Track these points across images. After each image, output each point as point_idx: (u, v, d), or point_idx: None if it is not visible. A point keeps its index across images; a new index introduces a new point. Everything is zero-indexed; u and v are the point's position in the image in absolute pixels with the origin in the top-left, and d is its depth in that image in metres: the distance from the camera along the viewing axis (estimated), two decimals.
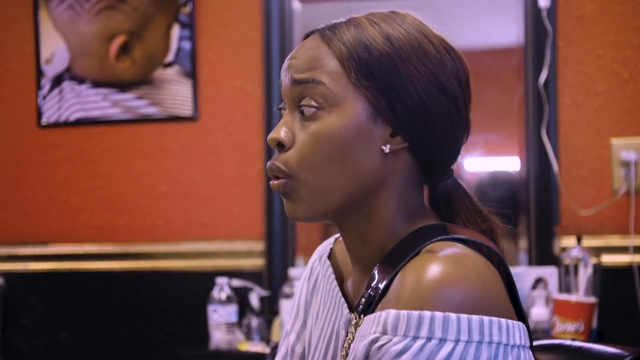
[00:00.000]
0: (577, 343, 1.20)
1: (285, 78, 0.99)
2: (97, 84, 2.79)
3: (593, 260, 2.27)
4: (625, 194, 2.47)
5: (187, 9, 2.73)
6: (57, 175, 2.84)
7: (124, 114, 2.78)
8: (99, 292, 2.80)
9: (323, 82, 0.95)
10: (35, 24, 2.84)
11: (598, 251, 2.34)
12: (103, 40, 2.78)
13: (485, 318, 0.84)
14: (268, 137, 0.98)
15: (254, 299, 2.58)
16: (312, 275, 1.15)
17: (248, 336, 2.50)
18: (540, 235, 2.52)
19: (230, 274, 2.58)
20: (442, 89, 0.96)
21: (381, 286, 0.91)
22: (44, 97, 2.84)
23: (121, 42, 2.77)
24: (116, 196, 2.80)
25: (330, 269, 1.10)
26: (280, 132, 0.97)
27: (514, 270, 0.99)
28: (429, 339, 0.83)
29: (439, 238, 0.92)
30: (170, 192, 2.76)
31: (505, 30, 2.70)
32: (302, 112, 0.96)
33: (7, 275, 2.84)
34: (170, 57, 2.74)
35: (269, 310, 2.61)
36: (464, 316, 0.83)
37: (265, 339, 2.49)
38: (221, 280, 2.47)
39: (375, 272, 0.94)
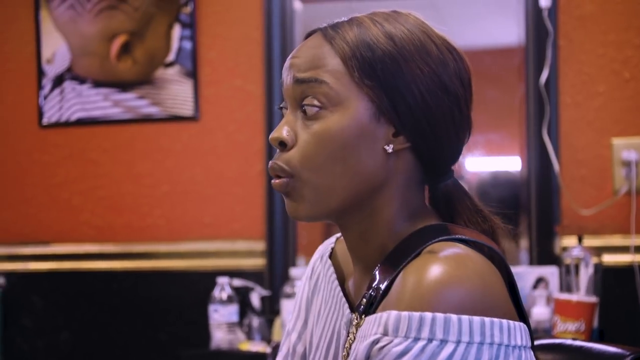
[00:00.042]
0: (578, 343, 1.20)
1: (287, 77, 0.99)
2: (98, 84, 2.79)
3: (594, 260, 2.27)
4: (626, 194, 2.46)
5: (188, 9, 2.73)
6: (58, 175, 2.84)
7: (125, 114, 2.78)
8: (99, 291, 2.80)
9: (326, 81, 0.95)
10: (36, 23, 2.84)
11: (599, 251, 2.34)
12: (104, 40, 2.78)
13: (487, 319, 0.84)
14: (270, 136, 0.98)
15: (255, 299, 2.58)
16: (314, 274, 1.15)
17: (249, 336, 2.50)
18: (541, 234, 2.52)
19: (231, 273, 2.58)
20: (445, 88, 0.96)
21: (382, 286, 0.91)
22: (45, 97, 2.84)
23: (122, 42, 2.77)
24: (117, 196, 2.80)
25: (332, 269, 1.10)
26: (282, 131, 0.97)
27: (514, 269, 0.98)
28: (430, 340, 0.82)
29: (440, 238, 0.92)
30: (171, 192, 2.76)
31: (506, 29, 2.70)
32: (304, 112, 0.96)
33: (8, 274, 2.84)
34: (171, 56, 2.74)
35: (270, 310, 2.61)
36: (465, 317, 0.83)
37: (266, 338, 2.49)
38: (222, 280, 2.47)
39: (377, 272, 0.94)
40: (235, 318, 2.44)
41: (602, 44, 2.51)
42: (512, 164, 2.69)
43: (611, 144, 2.49)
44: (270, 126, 2.66)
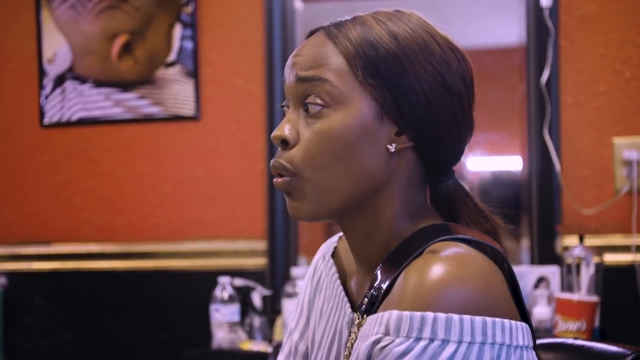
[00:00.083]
0: (579, 342, 1.20)
1: (289, 75, 0.98)
2: (99, 84, 2.79)
3: (595, 260, 2.27)
4: (628, 193, 2.46)
5: (189, 9, 2.73)
6: (60, 175, 2.84)
7: (126, 114, 2.79)
8: (101, 291, 2.80)
9: (329, 79, 0.94)
10: (37, 23, 2.84)
11: (600, 250, 2.34)
12: (105, 39, 2.78)
13: (488, 319, 0.84)
14: (272, 135, 0.97)
15: (257, 298, 2.58)
16: (316, 273, 1.14)
17: (250, 335, 2.50)
18: (542, 234, 2.52)
19: (233, 273, 2.58)
20: (448, 88, 0.96)
21: (384, 286, 0.91)
22: (46, 97, 2.84)
23: (123, 42, 2.77)
24: (118, 196, 2.80)
25: (334, 268, 1.10)
26: (285, 129, 0.97)
27: (516, 269, 0.98)
28: (431, 340, 0.82)
29: (442, 238, 0.92)
30: (172, 192, 2.77)
31: (507, 29, 2.70)
32: (306, 110, 0.96)
33: (10, 274, 2.84)
34: (172, 56, 2.74)
35: (272, 309, 2.61)
36: (466, 317, 0.83)
37: (268, 338, 2.49)
38: (223, 280, 2.47)
39: (378, 271, 0.94)
40: (236, 317, 2.44)
41: (603, 43, 2.51)
42: (513, 163, 2.69)
43: (612, 143, 2.49)
44: (271, 126, 2.66)
